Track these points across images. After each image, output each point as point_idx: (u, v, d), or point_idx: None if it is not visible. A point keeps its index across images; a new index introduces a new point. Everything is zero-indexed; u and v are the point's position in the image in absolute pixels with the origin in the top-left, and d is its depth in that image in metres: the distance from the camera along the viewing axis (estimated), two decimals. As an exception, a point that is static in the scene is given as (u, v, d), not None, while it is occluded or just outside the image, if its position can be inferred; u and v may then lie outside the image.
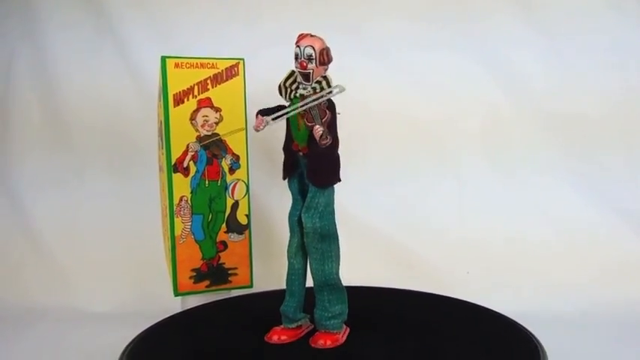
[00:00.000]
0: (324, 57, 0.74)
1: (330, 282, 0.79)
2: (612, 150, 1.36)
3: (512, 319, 0.88)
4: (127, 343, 0.81)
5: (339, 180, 0.79)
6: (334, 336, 0.79)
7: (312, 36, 0.75)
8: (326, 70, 0.75)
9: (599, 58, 1.36)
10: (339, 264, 0.80)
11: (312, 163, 0.77)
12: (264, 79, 1.26)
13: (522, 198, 1.38)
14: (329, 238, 0.79)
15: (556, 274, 1.29)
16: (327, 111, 0.73)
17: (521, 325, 0.85)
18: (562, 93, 1.37)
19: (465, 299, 0.98)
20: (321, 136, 0.71)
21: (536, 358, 0.73)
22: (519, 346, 0.77)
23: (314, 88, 0.74)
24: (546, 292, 1.25)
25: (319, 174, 0.77)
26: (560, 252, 1.32)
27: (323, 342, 0.79)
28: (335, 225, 0.80)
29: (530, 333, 0.82)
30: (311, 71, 0.74)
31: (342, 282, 0.81)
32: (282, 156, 0.82)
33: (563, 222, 1.35)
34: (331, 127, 0.74)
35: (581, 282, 1.26)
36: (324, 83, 0.74)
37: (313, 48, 0.73)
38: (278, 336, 0.81)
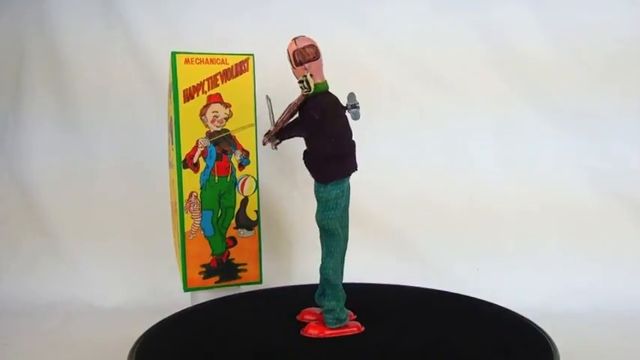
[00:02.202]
0: (297, 58, 0.77)
1: (325, 276, 0.80)
2: (627, 144, 1.34)
3: (522, 316, 0.87)
4: (137, 337, 0.81)
5: (342, 176, 0.79)
6: (327, 330, 0.80)
7: (293, 39, 0.78)
8: (306, 69, 0.77)
9: (611, 50, 1.34)
10: (336, 261, 0.80)
11: (307, 159, 0.81)
12: (274, 74, 1.27)
13: (534, 192, 1.37)
14: (329, 233, 0.80)
15: (568, 270, 1.28)
16: (293, 110, 0.78)
17: (532, 322, 0.84)
18: (574, 85, 1.35)
19: (474, 296, 0.97)
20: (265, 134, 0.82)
21: (547, 356, 0.72)
22: (530, 344, 0.77)
23: (301, 88, 0.77)
24: (558, 289, 1.24)
25: (313, 169, 0.80)
26: (572, 248, 1.31)
27: (312, 331, 0.80)
28: (337, 222, 0.79)
29: (542, 330, 0.81)
30: (293, 72, 0.79)
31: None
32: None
33: (576, 217, 1.34)
34: (307, 124, 0.77)
35: (593, 278, 1.25)
36: (304, 83, 0.76)
37: (288, 52, 0.78)
38: (307, 315, 0.85)
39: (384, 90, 1.38)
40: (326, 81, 0.79)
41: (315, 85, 0.76)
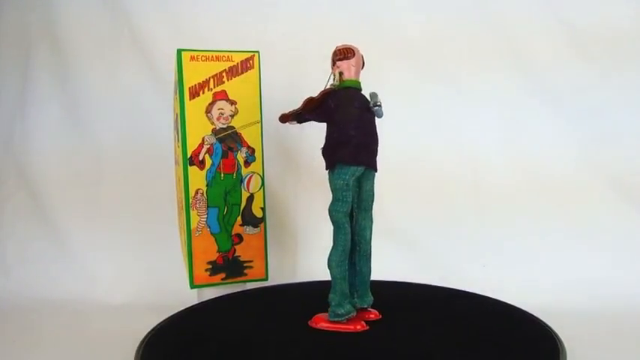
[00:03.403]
0: (332, 58, 0.85)
1: (329, 268, 0.81)
2: (634, 140, 1.34)
3: (529, 312, 0.87)
4: (144, 334, 0.81)
5: (343, 162, 0.79)
6: (327, 323, 0.81)
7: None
8: (338, 67, 0.84)
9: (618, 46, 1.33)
10: (339, 255, 0.80)
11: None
12: (280, 72, 1.27)
13: (539, 188, 1.36)
14: (335, 225, 0.81)
15: (575, 266, 1.27)
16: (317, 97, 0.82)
17: (539, 319, 0.84)
18: (579, 82, 1.34)
19: (481, 293, 0.97)
20: None
21: (555, 353, 0.72)
22: (537, 340, 0.76)
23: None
24: (565, 285, 1.23)
25: (324, 156, 0.82)
26: (579, 243, 1.30)
27: (315, 322, 0.82)
28: (342, 214, 0.80)
29: (548, 326, 0.81)
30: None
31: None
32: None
33: (582, 213, 1.33)
34: (323, 110, 0.82)
35: (600, 274, 1.24)
36: (334, 79, 0.84)
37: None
38: None
39: (387, 84, 1.37)
40: (356, 80, 0.84)
41: (343, 80, 0.83)
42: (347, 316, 0.81)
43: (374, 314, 0.85)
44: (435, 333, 0.80)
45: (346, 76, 0.83)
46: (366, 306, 0.85)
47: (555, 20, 1.35)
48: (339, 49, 0.84)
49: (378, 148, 0.84)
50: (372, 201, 0.85)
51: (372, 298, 0.86)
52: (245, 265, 1.07)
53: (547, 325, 0.81)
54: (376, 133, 0.83)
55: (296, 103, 0.85)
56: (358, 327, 0.81)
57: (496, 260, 1.31)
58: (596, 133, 1.35)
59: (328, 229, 0.82)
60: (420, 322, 0.84)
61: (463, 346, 0.75)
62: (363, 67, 0.86)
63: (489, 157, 1.38)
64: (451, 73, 1.39)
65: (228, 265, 1.06)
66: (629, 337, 1.02)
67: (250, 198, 1.07)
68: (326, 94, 0.82)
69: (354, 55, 0.83)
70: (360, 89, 0.84)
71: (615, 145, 1.34)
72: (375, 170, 0.84)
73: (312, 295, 0.89)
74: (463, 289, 1.01)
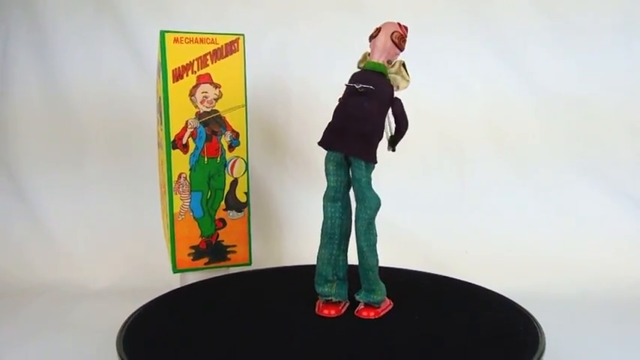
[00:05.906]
0: None
1: None
2: (615, 133, 1.35)
3: (510, 299, 0.88)
4: (126, 318, 0.81)
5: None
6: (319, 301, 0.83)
7: None
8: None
9: (604, 40, 1.34)
10: (320, 238, 0.81)
11: None
12: (266, 58, 1.26)
13: (524, 180, 1.37)
14: None
15: (557, 254, 1.29)
16: None
17: (520, 305, 0.85)
18: (567, 77, 1.35)
19: (463, 279, 0.98)
20: None
21: (534, 338, 0.73)
22: (517, 326, 0.77)
23: None
24: (547, 272, 1.25)
25: None
26: (561, 232, 1.32)
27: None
28: (325, 198, 0.80)
29: (529, 313, 0.82)
30: None
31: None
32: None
33: (565, 203, 1.35)
34: None
35: (582, 262, 1.27)
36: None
37: None
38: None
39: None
40: (369, 62, 0.79)
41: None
42: (324, 298, 0.81)
43: (374, 312, 0.80)
44: (412, 319, 0.80)
45: (370, 58, 0.79)
46: (363, 301, 0.80)
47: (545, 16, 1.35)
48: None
49: (368, 133, 0.77)
50: (363, 189, 0.77)
51: (379, 297, 0.80)
52: (228, 249, 1.07)
53: (526, 311, 0.82)
54: (362, 118, 0.76)
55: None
56: (332, 312, 0.80)
57: (477, 245, 1.33)
58: (578, 124, 1.37)
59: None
60: (397, 307, 0.84)
61: (440, 332, 0.76)
62: (401, 48, 0.79)
63: (478, 145, 1.39)
64: (432, 59, 1.39)
65: (212, 250, 1.06)
66: (611, 325, 1.04)
67: (234, 182, 1.07)
68: None
69: (377, 33, 0.79)
70: (371, 70, 0.78)
71: (603, 141, 1.36)
72: (361, 158, 0.76)
73: (296, 279, 0.89)
74: (444, 274, 1.01)
